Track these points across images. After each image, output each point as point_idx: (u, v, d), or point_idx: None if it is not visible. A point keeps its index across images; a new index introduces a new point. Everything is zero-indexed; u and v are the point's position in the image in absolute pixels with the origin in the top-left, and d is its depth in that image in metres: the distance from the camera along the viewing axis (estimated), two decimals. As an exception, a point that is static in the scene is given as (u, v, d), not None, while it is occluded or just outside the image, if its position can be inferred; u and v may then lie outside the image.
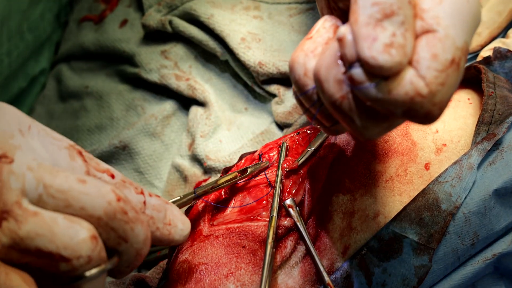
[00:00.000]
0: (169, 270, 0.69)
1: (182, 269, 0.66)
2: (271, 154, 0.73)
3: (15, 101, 1.10)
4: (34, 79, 1.13)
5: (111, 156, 0.96)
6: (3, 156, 0.47)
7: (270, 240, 0.63)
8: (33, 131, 0.51)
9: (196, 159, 0.89)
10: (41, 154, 0.50)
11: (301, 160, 0.70)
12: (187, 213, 0.72)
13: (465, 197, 0.62)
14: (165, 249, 0.84)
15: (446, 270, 0.63)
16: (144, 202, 0.56)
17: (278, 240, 0.65)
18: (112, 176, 0.55)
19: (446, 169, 0.64)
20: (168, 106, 0.97)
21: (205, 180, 0.87)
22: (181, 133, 0.96)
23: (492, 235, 0.64)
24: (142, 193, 0.56)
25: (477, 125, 0.68)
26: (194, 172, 0.88)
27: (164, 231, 0.58)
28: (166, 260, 0.72)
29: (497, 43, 0.84)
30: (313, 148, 0.71)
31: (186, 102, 0.97)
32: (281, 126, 0.89)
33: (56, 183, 0.47)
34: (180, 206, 0.67)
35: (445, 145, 0.69)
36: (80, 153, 0.53)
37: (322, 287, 0.62)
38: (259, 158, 0.74)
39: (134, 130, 0.95)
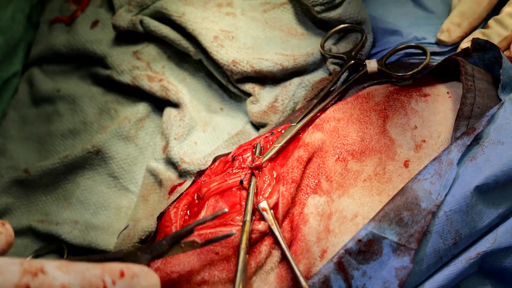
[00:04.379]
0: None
1: (154, 278, 0.64)
2: (245, 155, 0.71)
3: None
4: (7, 81, 1.10)
5: (84, 162, 0.94)
6: None
7: (243, 245, 0.61)
8: None
9: (170, 163, 0.87)
10: None
11: (266, 158, 0.69)
12: (158, 219, 0.70)
13: (446, 195, 0.61)
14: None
15: (429, 271, 0.61)
16: None
17: (252, 245, 0.63)
18: None
19: (426, 166, 0.62)
20: (142, 108, 0.95)
21: (180, 184, 0.84)
22: (155, 136, 0.94)
23: (475, 233, 0.62)
24: None
25: (456, 119, 0.67)
26: (169, 175, 0.86)
27: None
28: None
29: (478, 33, 0.82)
30: (280, 145, 0.70)
31: (160, 103, 0.95)
32: (257, 126, 0.87)
33: None
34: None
35: (424, 141, 0.68)
36: None
37: (299, 293, 0.60)
38: (233, 160, 0.71)
39: (107, 134, 0.93)
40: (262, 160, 0.68)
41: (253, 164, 0.68)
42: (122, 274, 0.55)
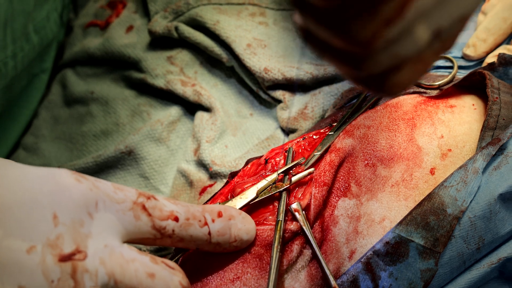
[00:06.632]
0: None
1: (187, 273, 0.66)
2: (277, 159, 0.74)
3: (18, 102, 1.10)
4: (36, 76, 1.13)
5: (116, 162, 0.96)
6: (77, 251, 0.49)
7: (276, 244, 0.63)
8: (100, 206, 0.53)
9: (201, 164, 0.89)
10: (110, 229, 0.53)
11: (308, 165, 0.71)
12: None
13: (471, 201, 0.63)
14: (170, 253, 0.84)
15: (452, 274, 0.63)
16: (209, 233, 0.59)
17: (284, 244, 0.65)
18: (176, 219, 0.57)
19: (452, 173, 0.64)
20: (174, 111, 0.98)
21: (210, 186, 0.87)
22: (186, 139, 0.96)
23: (497, 239, 0.64)
24: (206, 223, 0.59)
25: (482, 130, 0.69)
26: (200, 177, 0.88)
27: (231, 249, 0.63)
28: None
29: (502, 49, 0.84)
30: (320, 153, 0.72)
31: (191, 107, 0.98)
32: (286, 132, 0.89)
33: (126, 279, 0.51)
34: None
35: (450, 150, 0.69)
36: (144, 207, 0.55)
37: (329, 291, 0.62)
38: (265, 163, 0.74)
39: (140, 135, 0.96)
40: (304, 168, 0.71)
41: (295, 172, 0.70)
42: (220, 215, 0.61)
